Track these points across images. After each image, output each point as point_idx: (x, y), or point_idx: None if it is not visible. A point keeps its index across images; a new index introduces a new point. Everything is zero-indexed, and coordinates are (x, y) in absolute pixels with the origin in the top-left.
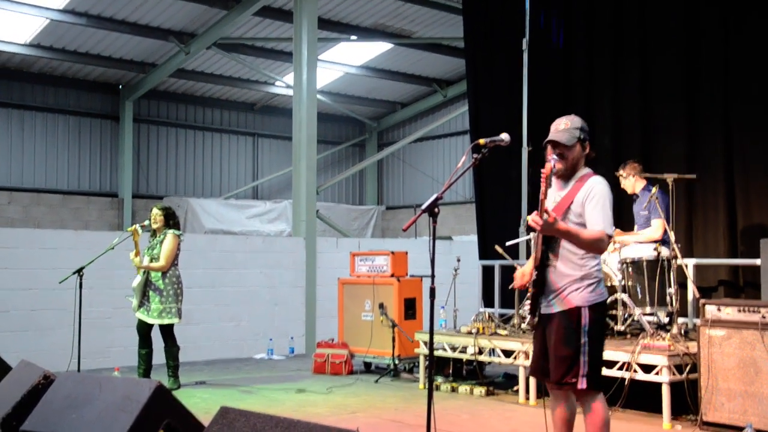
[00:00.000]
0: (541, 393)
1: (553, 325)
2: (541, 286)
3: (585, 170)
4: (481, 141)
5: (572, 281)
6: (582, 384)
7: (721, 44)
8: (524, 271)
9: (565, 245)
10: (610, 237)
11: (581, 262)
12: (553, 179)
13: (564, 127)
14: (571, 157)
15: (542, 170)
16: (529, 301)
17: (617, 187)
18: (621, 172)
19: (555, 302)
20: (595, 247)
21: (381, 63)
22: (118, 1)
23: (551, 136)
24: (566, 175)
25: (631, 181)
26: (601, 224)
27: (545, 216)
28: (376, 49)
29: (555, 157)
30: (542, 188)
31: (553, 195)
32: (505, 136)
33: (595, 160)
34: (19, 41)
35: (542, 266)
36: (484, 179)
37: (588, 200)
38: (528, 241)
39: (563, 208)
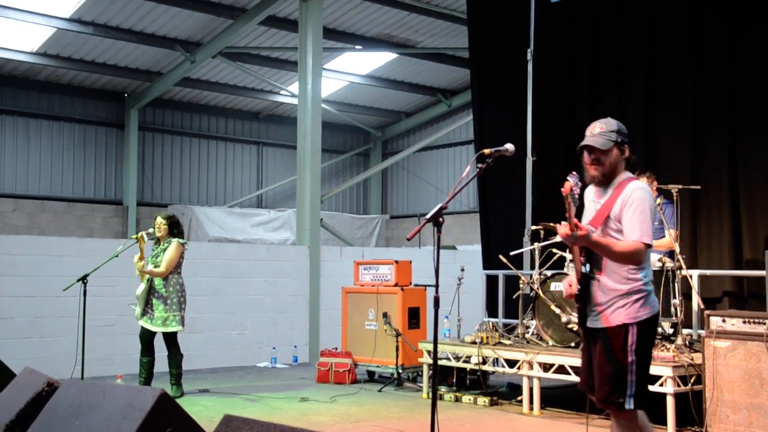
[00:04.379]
0: (545, 403)
1: (599, 341)
2: (584, 299)
3: (624, 175)
4: (486, 151)
5: (618, 296)
6: (629, 404)
7: (725, 55)
8: (571, 281)
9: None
10: (649, 246)
11: (627, 275)
12: (593, 187)
13: (599, 130)
14: (608, 162)
15: (561, 189)
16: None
17: None
18: (642, 180)
19: (599, 318)
20: (630, 258)
21: (386, 72)
22: (124, 10)
23: (586, 140)
24: (604, 181)
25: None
26: (638, 233)
27: (576, 230)
28: (380, 58)
29: (575, 176)
30: (567, 206)
31: (593, 204)
32: (509, 146)
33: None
34: (26, 50)
35: (586, 279)
36: (488, 189)
37: (626, 208)
38: (532, 251)
39: (602, 217)
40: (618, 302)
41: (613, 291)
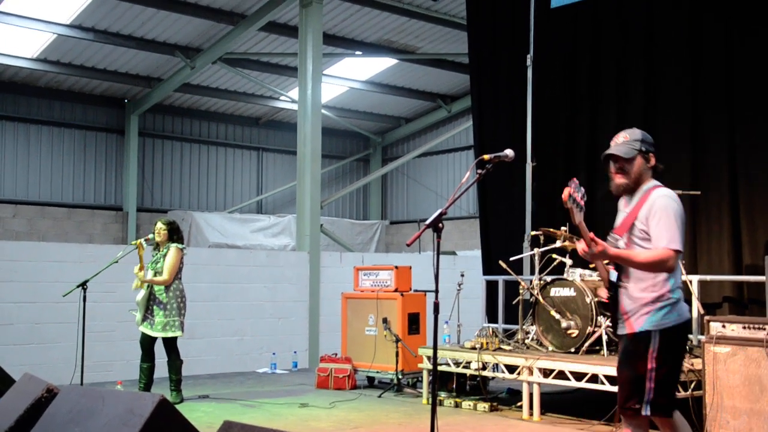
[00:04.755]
0: (545, 409)
1: (621, 347)
2: (615, 307)
3: (650, 183)
4: (486, 156)
5: (643, 304)
6: (645, 411)
7: (725, 56)
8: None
9: None
10: (678, 252)
11: (653, 282)
12: (623, 197)
13: (623, 140)
14: (632, 171)
15: (562, 195)
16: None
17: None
18: None
19: (624, 325)
20: (658, 266)
21: (385, 78)
22: (124, 16)
23: (609, 150)
24: (630, 190)
25: None
26: (665, 240)
27: (592, 245)
28: (380, 64)
29: (574, 181)
30: (570, 213)
31: (622, 213)
32: (509, 152)
33: (599, 177)
34: (27, 55)
35: (614, 287)
36: (488, 194)
37: (651, 216)
38: (531, 257)
39: (627, 225)
40: (643, 309)
41: (639, 299)
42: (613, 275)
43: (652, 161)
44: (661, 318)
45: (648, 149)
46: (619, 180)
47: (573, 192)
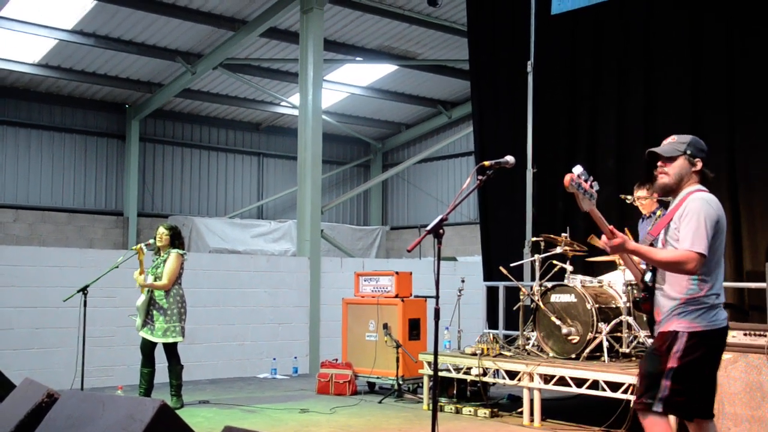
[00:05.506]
0: (546, 415)
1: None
2: (651, 309)
3: (693, 187)
4: (486, 163)
5: (678, 305)
6: (657, 407)
7: (726, 56)
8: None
9: None
10: (701, 255)
11: (688, 285)
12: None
13: (669, 141)
14: (672, 172)
15: (563, 181)
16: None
17: (623, 206)
18: (643, 192)
19: (656, 326)
20: (676, 267)
21: (386, 84)
22: (125, 22)
23: (654, 148)
24: (673, 191)
25: (651, 201)
26: (688, 242)
27: (611, 237)
28: (381, 70)
29: (579, 167)
30: (577, 201)
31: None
32: (509, 158)
33: (599, 181)
34: (28, 61)
35: (650, 289)
36: (488, 200)
37: (682, 217)
38: (532, 263)
39: (662, 225)
40: (676, 310)
41: (673, 300)
42: (648, 277)
43: (698, 166)
44: (691, 320)
45: (695, 153)
46: (661, 179)
47: (576, 178)
